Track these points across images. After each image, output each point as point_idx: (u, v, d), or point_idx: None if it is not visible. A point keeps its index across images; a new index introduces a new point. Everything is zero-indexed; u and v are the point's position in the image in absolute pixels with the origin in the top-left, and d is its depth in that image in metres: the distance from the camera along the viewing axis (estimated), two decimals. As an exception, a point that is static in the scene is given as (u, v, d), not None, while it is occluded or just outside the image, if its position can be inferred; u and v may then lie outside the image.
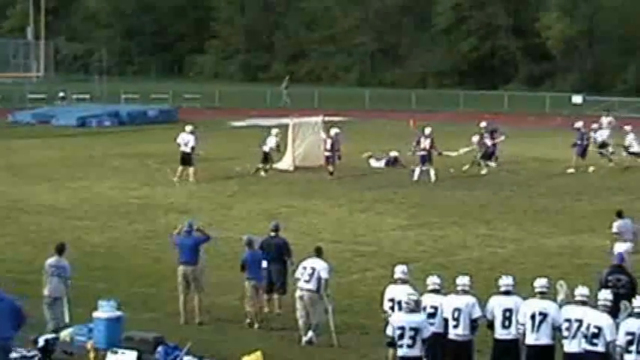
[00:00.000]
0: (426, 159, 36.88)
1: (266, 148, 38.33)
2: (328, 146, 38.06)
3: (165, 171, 37.89)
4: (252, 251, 19.76)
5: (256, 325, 19.24)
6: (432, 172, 36.53)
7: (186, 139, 37.01)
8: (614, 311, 15.20)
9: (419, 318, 15.18)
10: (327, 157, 38.04)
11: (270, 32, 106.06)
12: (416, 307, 15.29)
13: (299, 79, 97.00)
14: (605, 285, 17.11)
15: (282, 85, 77.20)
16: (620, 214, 23.42)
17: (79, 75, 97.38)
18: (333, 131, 38.66)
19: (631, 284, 17.36)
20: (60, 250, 19.16)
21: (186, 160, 36.81)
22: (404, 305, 15.37)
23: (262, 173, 37.99)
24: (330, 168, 37.62)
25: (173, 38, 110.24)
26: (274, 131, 38.96)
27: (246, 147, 44.66)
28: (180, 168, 36.74)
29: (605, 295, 14.97)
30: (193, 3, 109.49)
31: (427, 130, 37.49)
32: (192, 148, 36.85)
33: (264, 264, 20.30)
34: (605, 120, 44.55)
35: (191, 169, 36.65)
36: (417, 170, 36.75)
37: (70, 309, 18.66)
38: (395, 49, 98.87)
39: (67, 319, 18.58)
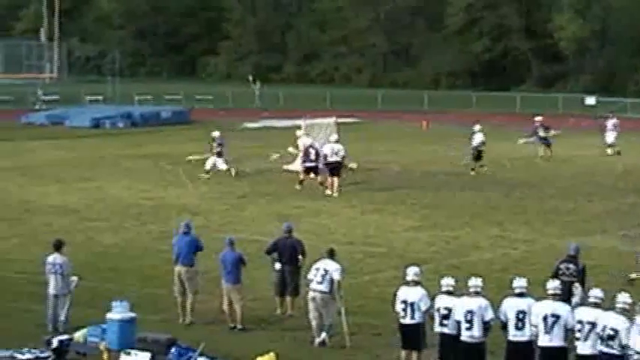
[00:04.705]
0: None
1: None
2: (312, 156, 34.64)
3: (178, 172, 37.88)
4: (231, 251, 19.47)
5: (239, 326, 19.14)
6: None
7: (335, 149, 34.43)
8: (566, 297, 16.54)
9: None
10: (312, 168, 34.60)
11: (282, 33, 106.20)
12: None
13: (311, 80, 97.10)
14: (555, 273, 18.01)
15: (254, 85, 76.45)
16: None
17: (92, 76, 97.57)
18: (323, 140, 36.17)
19: (578, 273, 18.20)
20: (57, 246, 19.13)
21: (335, 169, 34.10)
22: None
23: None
24: (320, 178, 34.41)
25: (185, 39, 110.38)
26: None
27: (259, 148, 44.72)
28: (325, 177, 34.33)
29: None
30: (205, 4, 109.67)
31: None
32: (343, 158, 34.58)
33: (277, 265, 20.28)
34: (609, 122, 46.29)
35: (336, 180, 33.91)
36: None
37: (68, 308, 18.69)
38: (407, 50, 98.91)
39: (62, 318, 18.62)
